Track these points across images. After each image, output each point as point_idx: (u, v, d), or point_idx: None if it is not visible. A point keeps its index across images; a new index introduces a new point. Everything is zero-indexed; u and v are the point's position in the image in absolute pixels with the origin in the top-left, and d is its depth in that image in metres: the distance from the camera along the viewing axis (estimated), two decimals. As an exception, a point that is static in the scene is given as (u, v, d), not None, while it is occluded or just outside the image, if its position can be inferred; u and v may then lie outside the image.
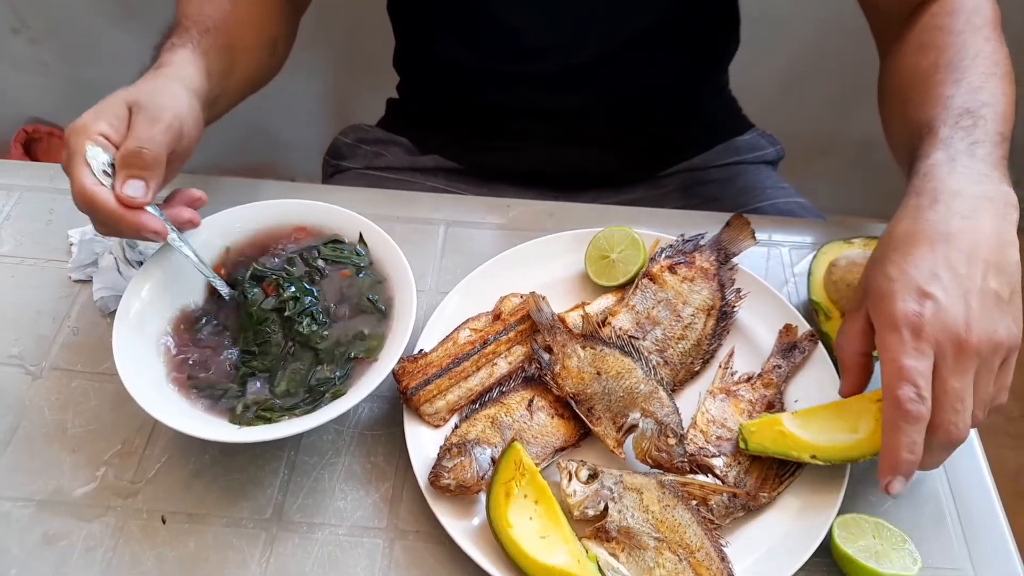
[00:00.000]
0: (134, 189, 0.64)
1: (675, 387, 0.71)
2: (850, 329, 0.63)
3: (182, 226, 0.70)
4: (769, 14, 1.59)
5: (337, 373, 0.67)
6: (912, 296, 0.57)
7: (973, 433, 0.69)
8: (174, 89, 0.69)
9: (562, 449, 0.67)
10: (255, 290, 0.71)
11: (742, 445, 0.64)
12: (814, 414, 0.65)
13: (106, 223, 0.65)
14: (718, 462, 0.65)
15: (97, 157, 0.64)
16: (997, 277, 0.59)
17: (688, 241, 0.77)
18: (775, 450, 0.63)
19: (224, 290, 0.71)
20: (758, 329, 0.74)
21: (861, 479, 0.66)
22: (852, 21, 0.92)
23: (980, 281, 0.58)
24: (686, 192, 1.09)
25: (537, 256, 0.79)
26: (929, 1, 0.79)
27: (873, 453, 0.60)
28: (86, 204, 0.64)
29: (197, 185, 0.72)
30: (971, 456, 0.69)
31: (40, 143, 1.93)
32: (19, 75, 1.86)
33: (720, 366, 0.72)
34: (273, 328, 0.70)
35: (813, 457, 0.62)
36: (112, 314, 0.71)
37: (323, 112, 1.86)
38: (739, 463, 0.65)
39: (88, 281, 0.79)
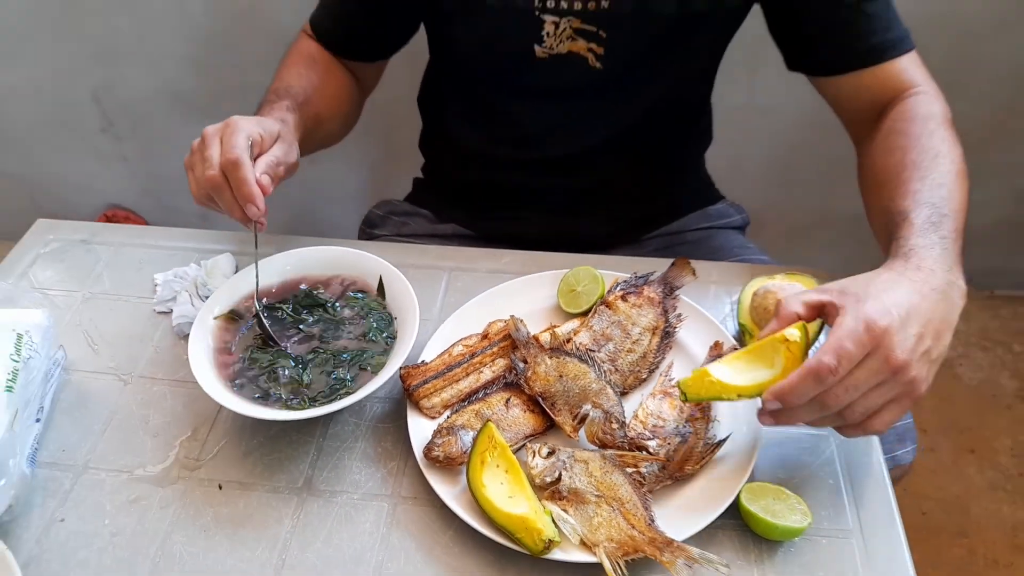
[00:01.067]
0: (266, 181, 0.87)
1: (625, 391, 0.88)
2: (804, 298, 0.75)
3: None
4: (754, 103, 1.79)
5: (348, 376, 0.86)
6: (880, 308, 0.70)
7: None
8: (292, 136, 0.96)
9: (531, 436, 0.84)
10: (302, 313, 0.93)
11: (682, 399, 0.77)
12: (736, 359, 0.77)
13: (236, 184, 0.85)
14: (652, 443, 0.81)
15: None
16: (934, 341, 0.73)
17: (640, 277, 0.95)
18: (708, 396, 0.76)
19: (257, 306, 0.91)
20: (694, 345, 0.91)
21: (771, 459, 0.82)
22: (829, 111, 1.08)
23: (922, 329, 0.72)
24: (664, 252, 1.24)
25: (519, 291, 0.97)
26: (889, 108, 0.96)
27: None
28: (230, 162, 0.84)
29: (263, 239, 0.94)
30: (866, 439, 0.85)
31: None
32: (103, 167, 2.10)
33: (661, 374, 0.89)
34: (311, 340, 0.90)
35: (739, 396, 0.74)
36: (186, 337, 0.92)
37: (360, 191, 2.05)
38: (668, 444, 0.81)
39: (168, 313, 1.00)
